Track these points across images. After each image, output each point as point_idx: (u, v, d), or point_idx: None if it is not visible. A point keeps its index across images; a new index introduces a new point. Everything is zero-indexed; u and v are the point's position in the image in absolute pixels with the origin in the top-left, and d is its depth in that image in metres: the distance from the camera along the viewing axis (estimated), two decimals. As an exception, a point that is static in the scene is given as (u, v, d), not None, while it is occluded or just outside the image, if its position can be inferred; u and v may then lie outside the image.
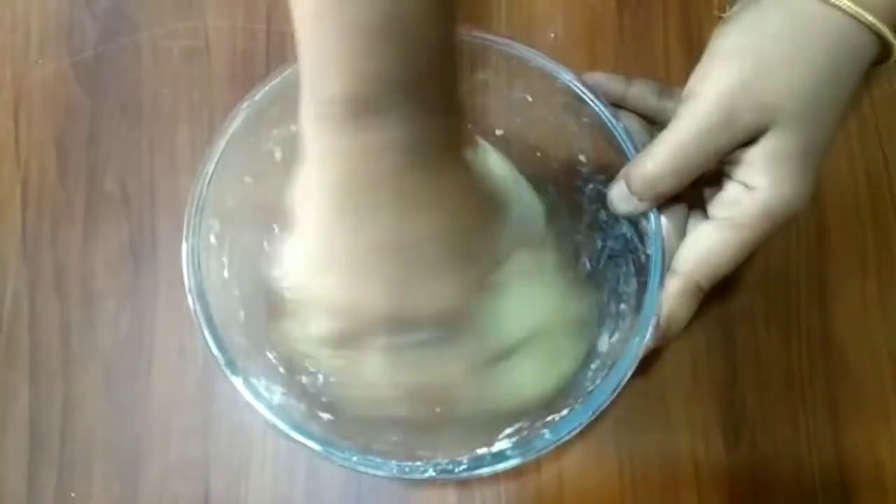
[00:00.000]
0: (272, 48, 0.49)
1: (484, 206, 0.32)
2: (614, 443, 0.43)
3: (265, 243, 0.40)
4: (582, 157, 0.41)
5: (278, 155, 0.39)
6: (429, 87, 0.28)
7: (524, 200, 0.39)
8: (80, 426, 0.43)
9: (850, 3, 0.31)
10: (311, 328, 0.32)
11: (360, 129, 0.27)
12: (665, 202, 0.35)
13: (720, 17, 0.35)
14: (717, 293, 0.39)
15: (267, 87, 0.37)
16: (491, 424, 0.36)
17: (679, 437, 0.43)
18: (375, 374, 0.32)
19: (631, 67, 0.48)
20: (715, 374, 0.44)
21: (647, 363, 0.34)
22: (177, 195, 0.46)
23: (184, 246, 0.35)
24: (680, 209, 0.36)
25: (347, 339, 0.31)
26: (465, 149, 0.31)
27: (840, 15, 0.31)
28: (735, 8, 0.35)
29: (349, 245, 0.29)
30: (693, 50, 0.49)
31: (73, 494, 0.42)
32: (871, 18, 0.31)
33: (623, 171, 0.36)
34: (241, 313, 0.37)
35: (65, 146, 0.47)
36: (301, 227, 0.30)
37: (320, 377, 0.38)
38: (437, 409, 0.34)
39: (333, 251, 0.30)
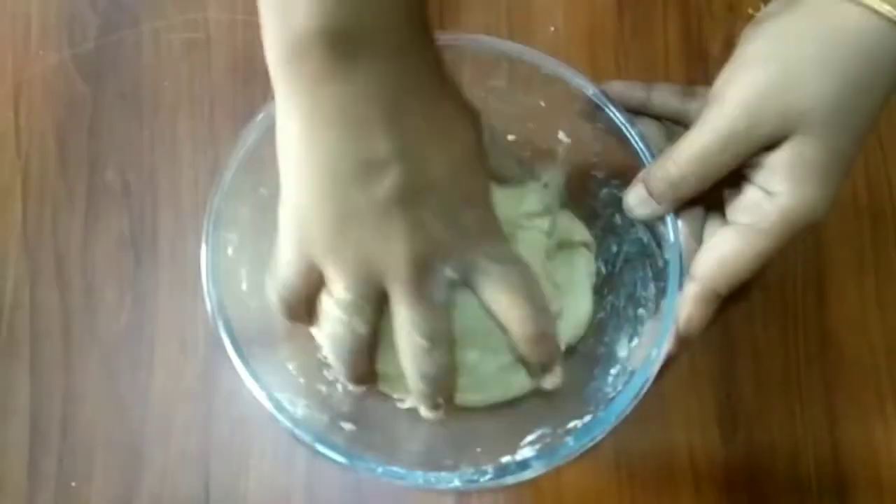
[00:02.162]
0: (273, 41, 0.49)
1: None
2: (611, 436, 0.43)
3: None
4: (596, 161, 0.40)
5: None
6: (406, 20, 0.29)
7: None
8: (80, 416, 0.43)
9: (885, 5, 0.30)
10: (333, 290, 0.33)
11: (345, 65, 0.28)
12: (682, 205, 0.35)
13: (752, 16, 0.34)
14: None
15: None
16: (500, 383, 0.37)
17: (676, 431, 0.43)
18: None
19: (631, 64, 0.48)
20: (712, 368, 0.44)
21: (664, 368, 0.34)
22: (177, 187, 0.46)
23: (202, 261, 0.35)
24: (697, 212, 0.36)
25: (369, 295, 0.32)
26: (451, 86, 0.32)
27: (875, 18, 0.31)
28: (767, 9, 0.34)
29: (362, 201, 0.30)
30: (693, 47, 0.48)
31: (73, 484, 0.42)
32: None
33: (641, 175, 0.35)
34: (260, 325, 0.37)
35: (65, 137, 0.47)
36: (294, 192, 0.31)
37: (339, 386, 0.38)
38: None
39: (347, 210, 0.31)
